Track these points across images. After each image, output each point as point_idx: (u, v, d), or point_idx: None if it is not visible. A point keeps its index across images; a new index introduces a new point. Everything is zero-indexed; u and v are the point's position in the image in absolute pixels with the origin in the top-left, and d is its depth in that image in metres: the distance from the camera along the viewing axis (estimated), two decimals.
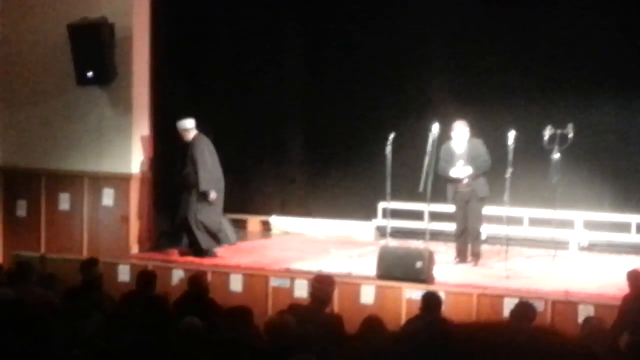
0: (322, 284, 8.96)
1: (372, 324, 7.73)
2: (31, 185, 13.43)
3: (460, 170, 11.82)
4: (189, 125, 12.69)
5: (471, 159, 11.86)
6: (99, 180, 13.17)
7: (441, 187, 12.65)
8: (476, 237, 12.16)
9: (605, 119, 14.11)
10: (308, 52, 15.86)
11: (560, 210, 12.68)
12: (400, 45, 14.83)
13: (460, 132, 11.96)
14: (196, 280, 9.73)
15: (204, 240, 12.42)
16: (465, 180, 11.88)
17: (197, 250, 12.36)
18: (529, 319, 8.12)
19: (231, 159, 15.16)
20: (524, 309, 8.27)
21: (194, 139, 12.71)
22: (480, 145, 12.08)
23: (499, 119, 13.75)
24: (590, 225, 13.66)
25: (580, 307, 9.55)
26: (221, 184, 12.84)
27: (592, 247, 13.57)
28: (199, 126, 14.15)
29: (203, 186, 12.46)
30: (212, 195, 12.54)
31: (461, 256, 12.07)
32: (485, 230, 14.13)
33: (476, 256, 12.04)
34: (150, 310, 8.50)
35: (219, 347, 6.76)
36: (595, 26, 13.75)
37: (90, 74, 12.90)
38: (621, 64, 13.85)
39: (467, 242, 12.13)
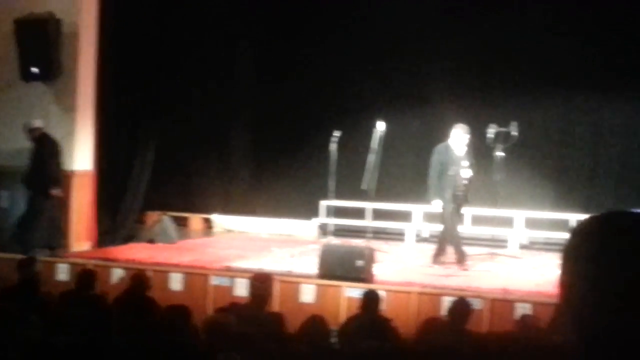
0: (261, 282, 8.92)
1: (314, 323, 7.70)
2: None
3: (467, 172, 11.61)
4: (35, 125, 12.51)
5: (470, 164, 11.66)
6: None
7: (384, 184, 12.71)
8: (459, 241, 11.92)
9: (549, 118, 14.31)
10: (254, 55, 15.91)
11: (502, 208, 12.77)
12: (344, 46, 14.88)
13: (461, 135, 11.66)
14: (138, 279, 9.64)
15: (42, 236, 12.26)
16: (465, 182, 11.63)
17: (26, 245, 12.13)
18: (465, 316, 8.17)
19: (174, 157, 15.15)
20: (461, 306, 8.30)
21: (40, 138, 12.51)
22: (472, 151, 11.87)
23: (443, 118, 13.82)
24: (530, 224, 13.80)
25: (518, 305, 9.61)
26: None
27: (532, 245, 13.71)
28: (144, 125, 14.15)
29: (47, 184, 12.29)
30: (55, 191, 12.36)
31: (462, 263, 11.65)
32: (428, 228, 14.28)
33: (463, 258, 11.77)
34: (90, 310, 8.42)
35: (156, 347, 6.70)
36: (540, 28, 13.92)
37: (35, 69, 12.81)
38: (565, 65, 14.01)
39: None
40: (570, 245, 1.89)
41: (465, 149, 11.61)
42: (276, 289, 10.75)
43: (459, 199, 11.58)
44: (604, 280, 1.78)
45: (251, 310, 8.43)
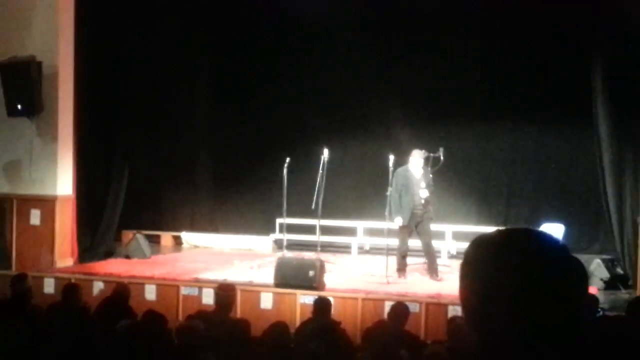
0: (224, 291, 8.94)
1: (279, 329, 7.72)
2: None
3: (424, 192, 11.56)
4: None
5: (427, 184, 11.64)
6: (27, 202, 12.93)
7: (330, 203, 12.77)
8: (432, 253, 11.80)
9: (471, 144, 14.43)
10: (216, 87, 15.91)
11: (434, 223, 12.87)
12: (293, 85, 14.96)
13: (418, 160, 11.63)
14: (120, 289, 9.61)
15: None
16: (422, 202, 11.56)
17: None
18: (404, 318, 8.25)
19: (147, 181, 15.10)
20: (399, 309, 8.36)
21: None
22: (429, 173, 11.83)
23: (379, 144, 13.97)
24: (458, 236, 13.90)
25: (450, 308, 9.70)
26: None
27: (459, 255, 13.80)
28: (118, 153, 14.13)
29: None
30: None
31: (403, 272, 11.64)
32: (369, 242, 14.35)
33: (435, 270, 11.68)
34: (74, 319, 8.39)
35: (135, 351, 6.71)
36: (462, 69, 14.06)
37: (19, 106, 12.70)
38: (485, 99, 14.19)
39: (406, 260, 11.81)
40: (464, 261, 1.84)
41: (422, 171, 11.61)
42: (238, 297, 10.78)
43: (417, 217, 11.54)
44: (493, 293, 1.75)
45: (217, 317, 8.45)
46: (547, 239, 1.84)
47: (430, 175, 11.71)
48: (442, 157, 11.88)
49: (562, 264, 1.80)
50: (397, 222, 11.57)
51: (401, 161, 12.06)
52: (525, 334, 1.73)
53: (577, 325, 1.78)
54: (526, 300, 1.73)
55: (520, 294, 1.73)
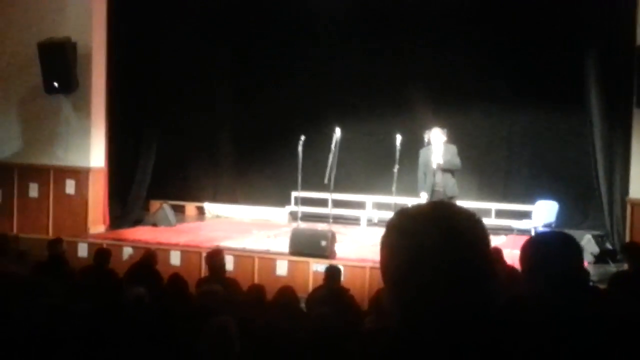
0: (213, 257, 8.90)
1: (287, 292, 7.73)
2: (6, 176, 13.17)
3: (437, 159, 11.20)
4: None
5: (444, 158, 11.27)
6: (62, 173, 12.98)
7: (341, 179, 12.74)
8: None
9: (473, 125, 14.33)
10: (237, 69, 15.87)
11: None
12: (310, 67, 14.92)
13: (437, 137, 11.32)
14: (148, 255, 9.62)
15: None
16: (439, 180, 11.25)
17: None
18: None
19: (173, 155, 15.10)
20: None
21: None
22: (453, 149, 11.35)
23: (387, 124, 13.92)
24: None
25: None
26: None
27: None
28: (146, 129, 14.14)
29: None
30: None
31: None
32: (377, 215, 14.31)
33: None
34: (104, 282, 8.42)
35: (159, 313, 6.71)
36: (462, 53, 13.95)
37: (56, 84, 12.71)
38: (486, 82, 14.10)
39: None
40: (388, 231, 1.75)
41: (443, 148, 11.29)
42: (256, 264, 10.81)
43: (439, 194, 11.20)
44: (415, 269, 1.67)
45: (211, 281, 8.30)
46: (469, 214, 1.75)
47: (455, 151, 11.35)
48: (445, 137, 11.64)
49: (480, 239, 1.72)
50: (422, 197, 11.34)
51: (407, 140, 12.00)
52: (444, 306, 1.66)
53: (492, 302, 1.70)
54: (446, 271, 1.65)
55: (442, 265, 1.65)
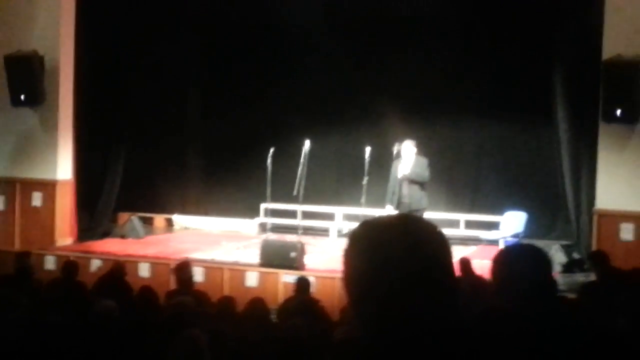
0: (181, 269, 8.86)
1: (257, 304, 7.72)
2: None
3: (403, 171, 11.18)
4: None
5: (412, 171, 11.23)
6: (29, 185, 12.88)
7: (310, 190, 12.73)
8: None
9: (441, 136, 14.38)
10: (207, 81, 15.85)
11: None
12: (279, 80, 14.93)
13: (407, 150, 11.29)
14: (117, 267, 9.56)
15: None
16: (405, 192, 11.20)
17: None
18: None
19: (141, 167, 15.02)
20: None
21: None
22: (423, 162, 11.32)
23: (356, 136, 13.97)
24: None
25: None
26: None
27: None
28: (115, 141, 14.07)
29: None
30: None
31: None
32: (347, 226, 14.32)
33: None
34: (72, 294, 8.34)
35: (128, 326, 6.67)
36: (430, 65, 14.02)
37: (23, 97, 12.64)
38: (451, 94, 14.19)
39: None
40: (351, 243, 1.74)
41: (413, 160, 11.26)
42: (226, 275, 10.78)
43: (405, 206, 11.14)
44: (377, 281, 1.66)
45: (179, 293, 8.27)
46: (431, 227, 1.76)
47: (425, 163, 11.32)
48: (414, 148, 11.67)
49: (443, 251, 1.72)
50: (387, 209, 11.34)
51: (376, 152, 12.04)
52: (406, 318, 1.65)
53: (454, 315, 1.70)
54: (408, 283, 1.65)
55: (403, 277, 1.65)
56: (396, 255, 1.66)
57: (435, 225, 1.78)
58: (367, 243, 1.71)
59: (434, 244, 1.72)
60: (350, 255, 1.73)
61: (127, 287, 8.99)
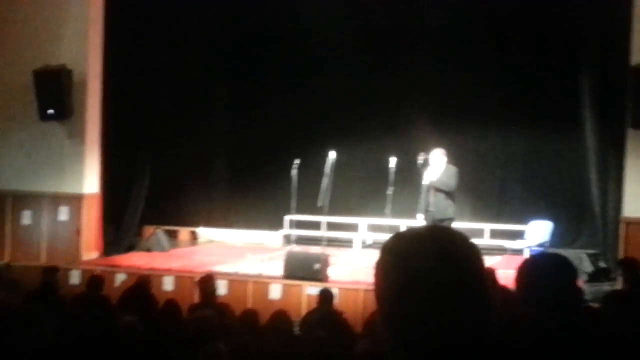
0: (205, 282, 8.82)
1: (280, 316, 7.65)
2: None
3: (428, 178, 10.94)
4: None
5: (439, 179, 10.98)
6: (56, 199, 12.92)
7: (335, 202, 12.66)
8: None
9: (467, 147, 14.25)
10: (232, 93, 15.91)
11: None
12: (303, 91, 14.92)
13: (437, 158, 11.09)
14: (143, 280, 9.52)
15: None
16: (431, 201, 10.89)
17: None
18: None
19: (167, 180, 15.04)
20: None
21: None
22: (452, 171, 11.07)
23: (381, 147, 13.90)
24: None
25: None
26: None
27: None
28: (141, 155, 14.10)
29: None
30: None
31: None
32: (371, 237, 14.23)
33: None
34: (97, 308, 8.31)
35: (152, 340, 6.63)
36: (455, 74, 13.95)
37: (51, 111, 12.70)
38: (481, 106, 14.08)
39: None
40: (381, 258, 1.75)
41: (442, 169, 11.05)
42: (249, 288, 10.73)
43: (431, 215, 10.90)
44: (409, 293, 1.65)
45: (202, 306, 8.23)
46: (462, 238, 1.74)
47: (454, 172, 11.09)
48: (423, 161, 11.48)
49: (474, 262, 1.70)
50: (418, 218, 11.17)
51: (401, 162, 11.95)
52: (438, 329, 1.63)
53: (486, 326, 1.67)
54: (439, 295, 1.64)
55: (435, 289, 1.64)
56: (428, 266, 1.66)
57: (465, 236, 1.76)
58: (399, 254, 1.71)
59: (465, 255, 1.70)
60: (382, 266, 1.73)
61: (152, 301, 8.95)
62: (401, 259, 1.69)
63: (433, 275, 1.65)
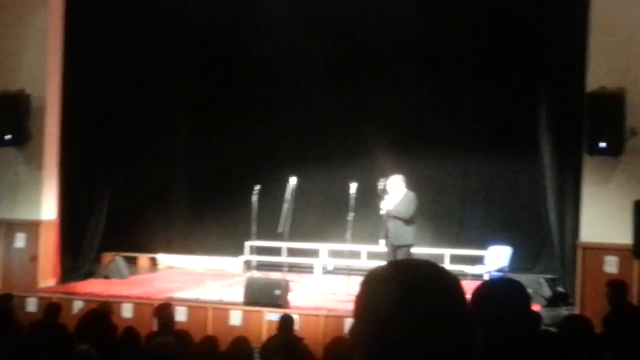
0: (162, 310, 8.75)
1: (240, 343, 7.62)
2: None
3: (384, 206, 11.10)
4: None
5: (395, 206, 11.12)
6: (12, 226, 12.77)
7: (296, 227, 12.67)
8: None
9: (426, 172, 14.38)
10: (192, 120, 15.87)
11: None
12: (264, 118, 14.97)
13: (394, 185, 11.21)
14: (103, 307, 9.41)
15: None
16: (390, 227, 11.04)
17: None
18: None
19: (126, 207, 14.95)
20: None
21: None
22: (409, 198, 11.21)
23: (341, 173, 13.96)
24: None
25: None
26: None
27: None
28: (99, 181, 14.01)
29: None
30: None
31: None
32: (332, 262, 14.27)
33: None
34: (54, 337, 8.20)
35: None
36: (414, 100, 14.11)
37: (8, 136, 12.60)
38: (436, 130, 14.24)
39: None
40: (361, 292, 1.71)
41: (401, 195, 11.17)
42: (209, 314, 10.67)
43: (390, 241, 11.11)
44: (380, 328, 1.63)
45: (160, 334, 8.15)
46: (432, 269, 1.71)
47: (411, 199, 11.21)
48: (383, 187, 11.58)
49: (444, 292, 1.67)
50: (381, 243, 11.33)
51: (362, 188, 12.01)
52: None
53: (468, 351, 1.66)
54: (412, 331, 1.61)
55: (406, 326, 1.61)
56: (389, 305, 1.64)
57: (440, 269, 1.73)
58: (365, 296, 1.69)
59: (433, 288, 1.67)
60: (356, 307, 1.71)
61: (112, 328, 8.85)
62: (375, 294, 1.66)
63: (395, 315, 1.62)
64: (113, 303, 10.55)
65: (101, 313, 9.15)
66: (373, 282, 1.69)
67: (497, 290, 3.14)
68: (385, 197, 11.22)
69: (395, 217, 11.10)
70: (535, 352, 3.14)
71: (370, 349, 1.64)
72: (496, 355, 3.02)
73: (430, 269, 1.70)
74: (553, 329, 8.64)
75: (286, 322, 8.69)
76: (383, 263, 1.78)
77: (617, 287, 8.82)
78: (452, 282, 1.69)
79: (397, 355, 1.61)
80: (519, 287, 3.17)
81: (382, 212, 11.20)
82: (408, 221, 11.14)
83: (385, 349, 1.62)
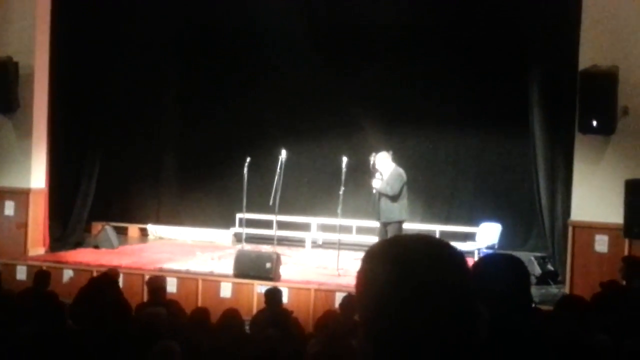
0: (154, 283, 8.79)
1: (231, 315, 7.66)
2: None
3: (375, 183, 11.15)
4: None
5: (385, 181, 11.16)
6: (1, 194, 12.74)
7: (286, 200, 12.70)
8: None
9: (417, 148, 14.43)
10: (183, 90, 15.81)
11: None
12: (256, 89, 14.92)
13: (381, 161, 11.24)
14: (108, 276, 9.39)
15: None
16: (379, 204, 11.10)
17: None
18: (354, 309, 8.19)
19: (116, 176, 14.94)
20: (350, 300, 8.33)
21: None
22: (395, 175, 11.24)
23: (333, 146, 13.98)
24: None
25: None
26: None
27: None
28: (89, 150, 13.97)
29: None
30: None
31: None
32: (322, 237, 14.32)
33: None
34: (43, 304, 8.23)
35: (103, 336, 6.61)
36: (408, 76, 14.11)
37: None
38: (428, 106, 14.24)
39: None
40: (361, 269, 1.72)
41: (389, 171, 11.22)
42: (200, 286, 10.72)
43: (377, 214, 11.25)
44: (381, 304, 1.64)
45: (150, 304, 8.19)
46: (430, 245, 1.71)
47: (397, 175, 11.26)
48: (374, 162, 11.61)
49: (442, 267, 1.67)
50: (376, 219, 11.38)
51: (353, 162, 12.03)
52: (416, 343, 1.62)
53: (470, 327, 1.66)
54: (410, 307, 1.62)
55: (404, 302, 1.62)
56: (412, 269, 1.65)
57: (447, 247, 1.73)
58: (372, 273, 1.68)
59: (450, 259, 1.69)
60: (360, 288, 1.70)
61: (120, 292, 8.84)
62: (375, 270, 1.67)
63: (421, 276, 1.63)
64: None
65: (110, 277, 9.20)
66: (372, 259, 1.70)
67: (496, 266, 3.17)
68: (377, 175, 11.25)
69: (383, 194, 11.16)
70: (531, 327, 3.19)
71: (372, 324, 1.67)
72: (495, 331, 3.06)
73: (427, 245, 1.71)
74: (543, 307, 8.74)
75: (272, 294, 8.71)
76: (375, 239, 1.79)
77: (634, 263, 8.68)
78: (451, 257, 1.70)
79: (398, 331, 1.63)
80: (518, 263, 3.20)
81: (374, 191, 11.25)
82: (394, 198, 11.19)
83: (387, 325, 1.64)
